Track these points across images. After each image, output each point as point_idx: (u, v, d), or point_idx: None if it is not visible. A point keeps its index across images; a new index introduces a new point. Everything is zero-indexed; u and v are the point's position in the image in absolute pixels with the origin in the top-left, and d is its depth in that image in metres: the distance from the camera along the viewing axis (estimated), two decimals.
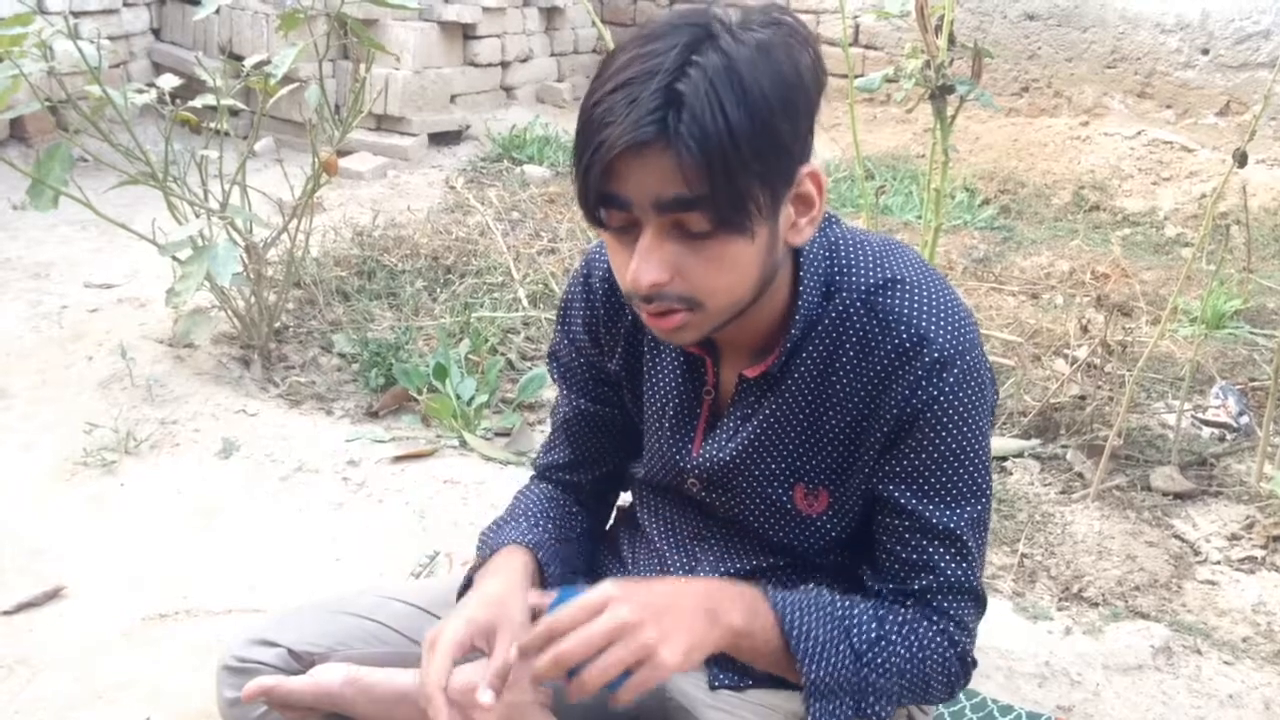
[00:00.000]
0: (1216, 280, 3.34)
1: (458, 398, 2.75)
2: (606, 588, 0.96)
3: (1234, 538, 2.32)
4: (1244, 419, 2.78)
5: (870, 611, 1.08)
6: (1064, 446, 2.63)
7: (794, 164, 0.96)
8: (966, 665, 1.12)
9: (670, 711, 1.16)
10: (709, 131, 0.88)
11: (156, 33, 5.46)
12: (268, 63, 2.73)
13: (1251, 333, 3.40)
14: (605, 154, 0.90)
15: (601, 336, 1.23)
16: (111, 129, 2.65)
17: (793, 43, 0.94)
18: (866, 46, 6.12)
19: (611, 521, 1.40)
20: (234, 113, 2.97)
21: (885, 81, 2.36)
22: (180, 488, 2.39)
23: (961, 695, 1.76)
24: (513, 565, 1.15)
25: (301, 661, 1.15)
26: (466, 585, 1.20)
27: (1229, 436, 2.75)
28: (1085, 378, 2.86)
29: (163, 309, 3.02)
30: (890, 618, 1.08)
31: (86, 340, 3.00)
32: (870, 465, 1.09)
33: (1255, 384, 2.98)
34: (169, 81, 2.66)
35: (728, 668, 1.17)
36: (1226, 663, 1.95)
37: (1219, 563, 2.25)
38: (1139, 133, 5.42)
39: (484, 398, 2.77)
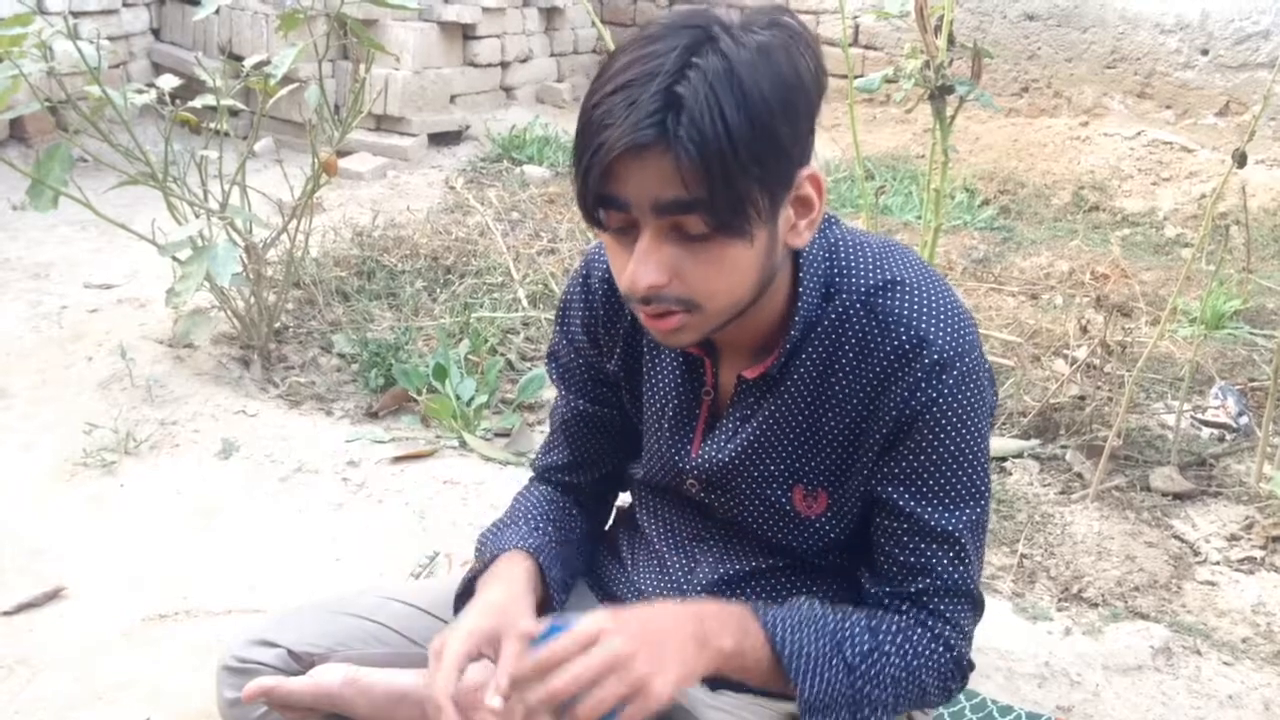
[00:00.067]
0: (1216, 281, 3.34)
1: (457, 398, 2.75)
2: (599, 619, 0.96)
3: (1233, 538, 2.32)
4: (1243, 419, 2.78)
5: (863, 622, 1.08)
6: (1063, 447, 2.63)
7: (793, 167, 0.96)
8: (962, 668, 1.12)
9: (670, 711, 1.16)
10: (708, 135, 0.88)
11: (156, 33, 5.46)
12: (267, 63, 2.73)
13: (1251, 333, 3.40)
14: (604, 156, 0.90)
15: (600, 337, 1.23)
16: (111, 129, 2.65)
17: (793, 45, 0.94)
18: (866, 47, 6.13)
19: (611, 522, 1.40)
20: (234, 113, 2.97)
21: (885, 82, 2.36)
22: (180, 488, 2.39)
23: (961, 696, 1.76)
24: (514, 571, 1.15)
25: (301, 662, 1.15)
26: (464, 590, 1.20)
27: (1228, 437, 2.75)
28: (1085, 378, 2.86)
29: (162, 309, 3.02)
30: (884, 627, 1.08)
31: (86, 340, 3.00)
32: (869, 467, 1.09)
33: (1255, 384, 2.98)
34: (169, 82, 2.66)
35: None
36: (1226, 663, 1.95)
37: (1218, 563, 2.25)
38: (1139, 133, 5.42)
39: (484, 398, 2.77)
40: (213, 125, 2.74)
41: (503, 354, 3.03)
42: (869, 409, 1.07)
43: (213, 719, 1.23)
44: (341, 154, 4.04)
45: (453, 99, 5.48)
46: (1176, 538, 2.32)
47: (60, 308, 3.22)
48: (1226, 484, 2.50)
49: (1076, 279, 3.86)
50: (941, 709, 1.71)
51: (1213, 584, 2.18)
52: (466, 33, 5.50)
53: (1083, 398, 2.77)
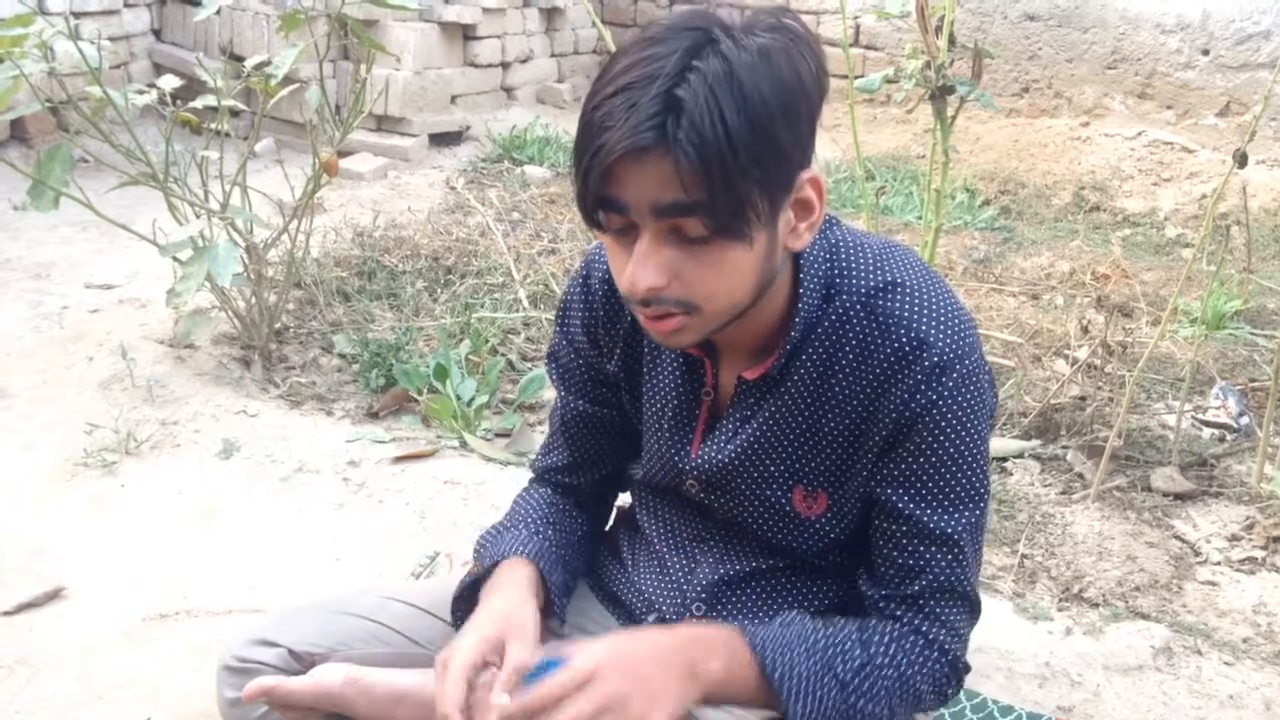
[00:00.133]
0: (1217, 281, 3.34)
1: (458, 398, 2.75)
2: (592, 655, 0.97)
3: (1234, 538, 2.32)
4: (1244, 420, 2.78)
5: (855, 636, 1.08)
6: (1064, 447, 2.63)
7: (794, 170, 0.96)
8: (958, 671, 1.12)
9: None
10: (707, 138, 0.88)
11: (157, 33, 5.47)
12: (268, 63, 2.73)
13: (1252, 333, 3.40)
14: (604, 158, 0.90)
15: (600, 338, 1.23)
16: (112, 130, 2.65)
17: (795, 48, 0.93)
18: (867, 47, 6.13)
19: (611, 522, 1.40)
20: (234, 113, 2.98)
21: (885, 82, 2.36)
22: (181, 488, 2.40)
23: (962, 695, 1.76)
24: (516, 578, 1.15)
25: (302, 662, 1.15)
26: (462, 593, 1.20)
27: (1229, 437, 2.75)
28: (1085, 378, 2.86)
29: (163, 309, 3.02)
30: (875, 639, 1.07)
31: (87, 341, 3.01)
32: (868, 468, 1.09)
33: (1255, 385, 2.98)
34: (170, 82, 2.66)
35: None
36: (1227, 663, 1.95)
37: (1219, 563, 2.25)
38: (1139, 133, 5.42)
39: (484, 398, 2.77)
40: (213, 126, 2.74)
41: (503, 354, 3.03)
42: (869, 410, 1.06)
43: (213, 719, 1.23)
44: (342, 154, 4.04)
45: (453, 99, 5.49)
46: (1177, 538, 2.32)
47: (61, 308, 3.23)
48: (1227, 484, 2.50)
49: (1077, 279, 3.86)
50: (942, 709, 1.71)
51: (1213, 584, 2.18)
52: (467, 33, 5.50)
53: (1083, 398, 2.77)
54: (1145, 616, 2.06)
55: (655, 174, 0.90)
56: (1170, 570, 2.20)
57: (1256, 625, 2.07)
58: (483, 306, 3.30)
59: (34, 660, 1.84)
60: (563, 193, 4.48)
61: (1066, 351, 3.13)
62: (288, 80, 2.71)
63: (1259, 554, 2.27)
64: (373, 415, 2.77)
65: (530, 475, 1.38)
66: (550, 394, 2.81)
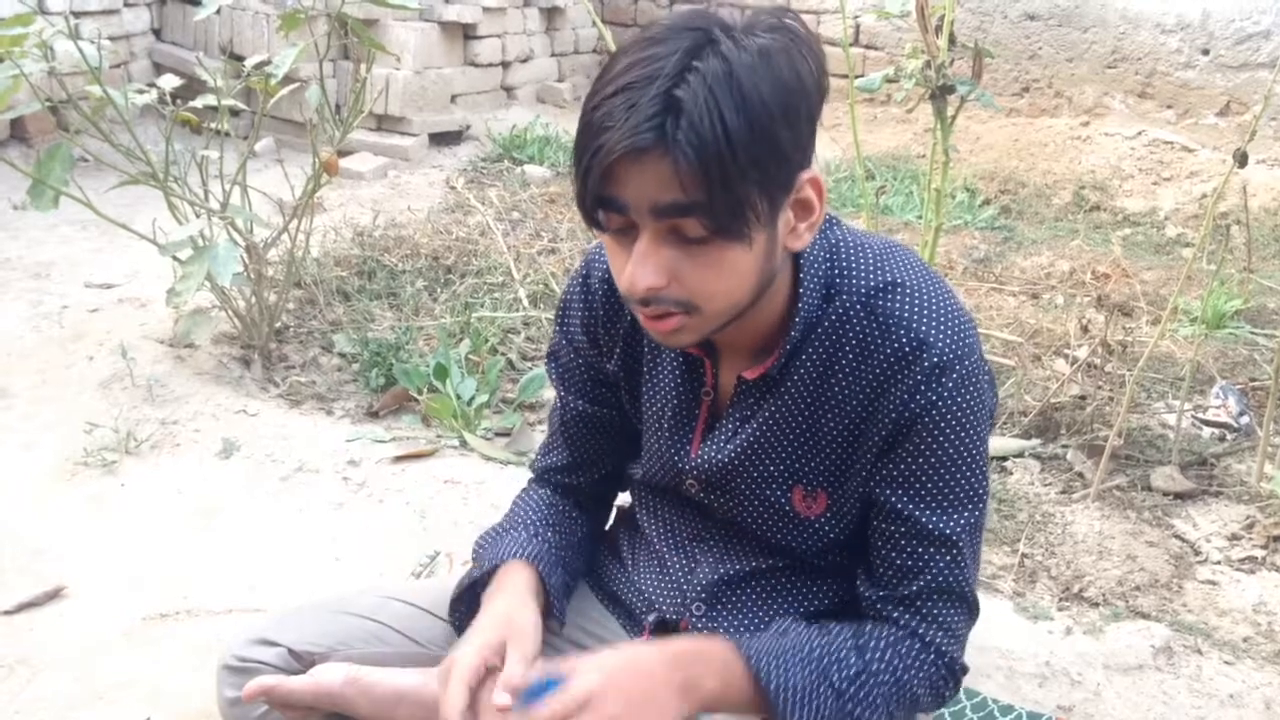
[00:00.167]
0: (1217, 280, 3.34)
1: (458, 398, 2.75)
2: (589, 676, 0.97)
3: (1234, 538, 2.32)
4: (1244, 419, 2.78)
5: (850, 643, 1.07)
6: (1064, 446, 2.63)
7: (794, 171, 0.96)
8: (955, 673, 1.11)
9: None
10: (706, 139, 0.88)
11: (157, 33, 5.46)
12: (268, 63, 2.73)
13: (1252, 333, 3.40)
14: (603, 158, 0.91)
15: (600, 337, 1.23)
16: (112, 129, 2.65)
17: (795, 48, 0.93)
18: (867, 46, 6.13)
19: (611, 522, 1.40)
20: (234, 113, 2.98)
21: (886, 81, 2.36)
22: (181, 488, 2.40)
23: (962, 695, 1.76)
24: (516, 582, 1.15)
25: (302, 661, 1.15)
26: (460, 594, 1.20)
27: (1229, 436, 2.75)
28: (1085, 378, 2.86)
29: (163, 309, 3.02)
30: (871, 645, 1.07)
31: (87, 340, 3.01)
32: (868, 468, 1.09)
33: (1255, 384, 2.98)
34: (169, 82, 2.66)
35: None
36: (1227, 662, 1.95)
37: (1219, 563, 2.25)
38: (1139, 133, 5.42)
39: (484, 398, 2.77)
40: (213, 125, 2.74)
41: (503, 353, 3.03)
42: (868, 410, 1.06)
43: (213, 718, 1.23)
44: (342, 154, 4.03)
45: (453, 99, 5.49)
46: (1177, 537, 2.32)
47: (61, 307, 3.23)
48: (1227, 483, 2.50)
49: (1077, 279, 3.86)
50: (943, 710, 1.71)
51: (1214, 583, 2.18)
52: (467, 32, 5.50)
53: (1084, 397, 2.77)
54: (1145, 616, 2.06)
55: (654, 174, 0.90)
56: (1170, 569, 2.20)
57: (1257, 624, 2.07)
58: (483, 306, 3.30)
59: (34, 660, 1.84)
60: (563, 192, 4.48)
61: (1066, 351, 3.13)
62: (288, 80, 2.71)
63: (1259, 553, 2.27)
64: (373, 415, 2.77)
65: (530, 475, 1.38)
66: (550, 393, 2.81)
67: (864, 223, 3.08)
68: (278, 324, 3.03)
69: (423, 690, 1.10)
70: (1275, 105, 4.70)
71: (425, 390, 2.78)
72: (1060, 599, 2.12)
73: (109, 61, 2.66)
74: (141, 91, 2.62)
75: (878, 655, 1.07)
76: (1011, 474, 2.54)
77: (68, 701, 1.75)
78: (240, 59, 3.18)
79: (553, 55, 6.26)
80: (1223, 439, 2.74)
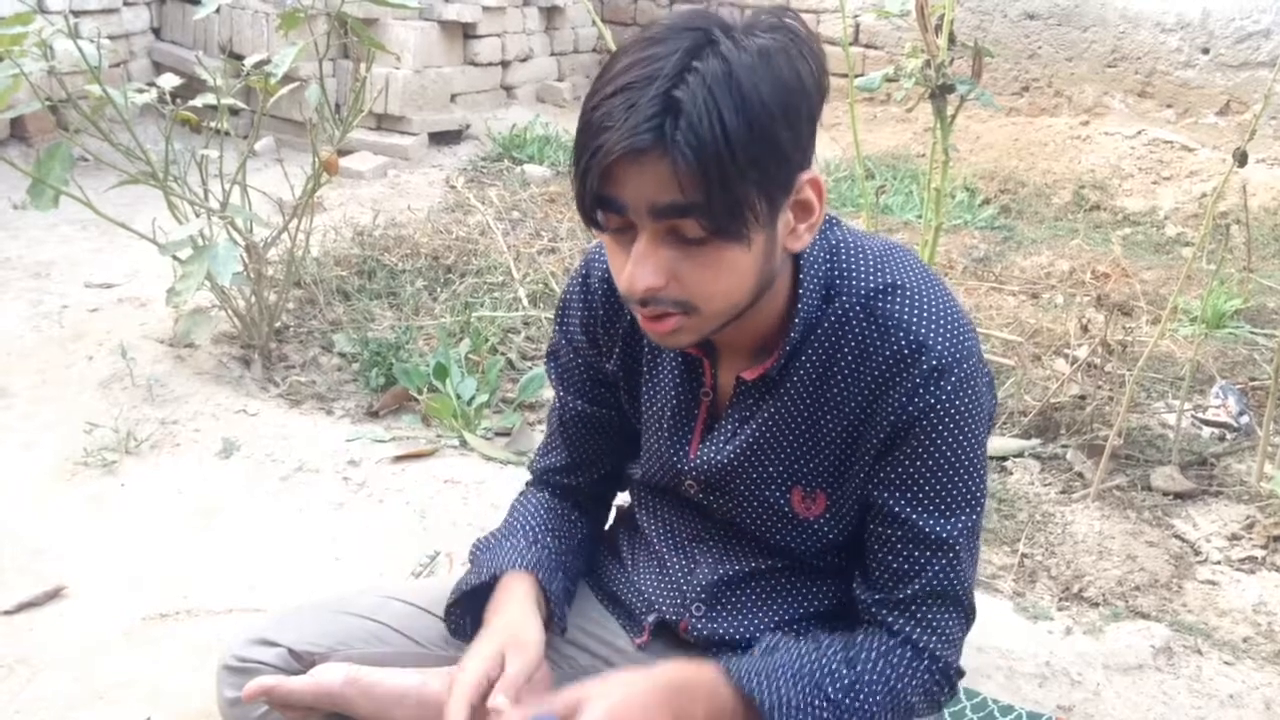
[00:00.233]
0: (1217, 280, 3.34)
1: (458, 397, 2.75)
2: (583, 717, 0.97)
3: (1234, 538, 2.32)
4: (1244, 419, 2.78)
5: (841, 654, 1.07)
6: (1064, 446, 2.63)
7: (793, 171, 0.96)
8: (950, 677, 1.11)
9: None
10: (705, 140, 0.88)
11: (157, 32, 5.46)
12: (268, 62, 2.73)
13: (1252, 332, 3.40)
14: (602, 159, 0.90)
15: (599, 337, 1.23)
16: (112, 128, 2.65)
17: (795, 49, 0.93)
18: (867, 46, 6.12)
19: (611, 522, 1.40)
20: (234, 112, 2.97)
21: (885, 81, 2.36)
22: (181, 487, 2.39)
23: (962, 695, 1.76)
24: (517, 594, 1.15)
25: (302, 661, 1.15)
26: (455, 601, 1.20)
27: (1229, 436, 2.75)
28: (1085, 377, 2.86)
29: (163, 309, 3.02)
30: (863, 656, 1.07)
31: (87, 340, 3.00)
32: (866, 470, 1.09)
33: (1255, 384, 2.98)
34: (169, 81, 2.66)
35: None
36: (1227, 663, 1.95)
37: (1219, 563, 2.25)
38: (1139, 132, 5.42)
39: (484, 397, 2.77)
40: (213, 124, 2.74)
41: (503, 353, 3.03)
42: (867, 412, 1.06)
43: (213, 718, 1.23)
44: (342, 153, 4.03)
45: (453, 98, 5.48)
46: (1177, 537, 2.32)
47: (61, 307, 3.22)
48: (1227, 483, 2.50)
49: (1077, 278, 3.86)
50: (943, 710, 1.71)
51: (1214, 583, 2.18)
52: (467, 32, 5.50)
53: (1083, 397, 2.77)
54: (1145, 616, 2.06)
55: (653, 175, 0.90)
56: (1170, 569, 2.20)
57: (1257, 624, 2.07)
58: (483, 305, 3.30)
59: (34, 660, 1.84)
60: (563, 192, 4.48)
61: (1066, 350, 3.13)
62: (287, 79, 2.71)
63: (1259, 553, 2.27)
64: (373, 414, 2.77)
65: (528, 476, 1.37)
66: (550, 393, 2.81)
67: (864, 222, 3.08)
68: (278, 324, 3.03)
69: (423, 690, 1.10)
70: (1275, 104, 4.70)
71: (425, 390, 2.78)
72: (1060, 599, 2.12)
73: (108, 61, 2.66)
74: (141, 91, 2.61)
75: (870, 665, 1.07)
76: (1011, 474, 2.54)
77: (68, 701, 1.75)
78: (240, 58, 3.17)
79: (552, 54, 6.26)
80: (1223, 439, 2.74)
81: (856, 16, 6.01)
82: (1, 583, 2.03)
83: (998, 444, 2.60)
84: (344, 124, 2.90)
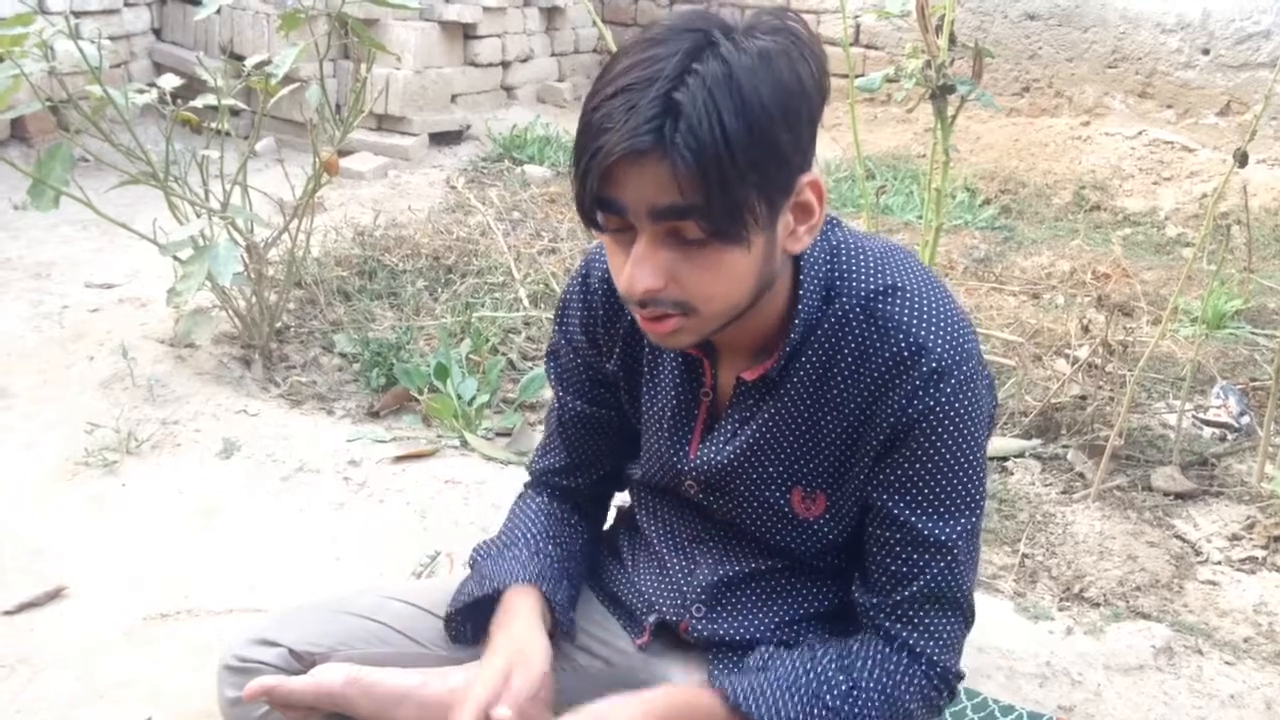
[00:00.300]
0: (1217, 280, 3.34)
1: (459, 398, 2.75)
2: None
3: (1235, 538, 2.32)
4: (1245, 419, 2.78)
5: (836, 663, 1.07)
6: (1065, 446, 2.63)
7: (793, 173, 0.96)
8: (948, 681, 1.11)
9: None
10: (704, 142, 0.88)
11: (157, 33, 5.47)
12: (268, 63, 2.73)
13: (1252, 333, 3.40)
14: (602, 160, 0.91)
15: (600, 337, 1.23)
16: (112, 129, 2.65)
17: (796, 51, 0.93)
18: (867, 46, 6.12)
19: (611, 522, 1.40)
20: (235, 113, 2.98)
21: (886, 81, 2.36)
22: (181, 488, 2.40)
23: (963, 695, 1.76)
24: (522, 610, 1.15)
25: (303, 661, 1.15)
26: (457, 610, 1.20)
27: (1230, 436, 2.75)
28: (1086, 378, 2.86)
29: (164, 309, 3.02)
30: (859, 664, 1.07)
31: (88, 340, 3.01)
32: (866, 472, 1.09)
33: (1256, 384, 2.98)
34: (170, 81, 2.66)
35: (727, 669, 1.17)
36: (1228, 663, 1.95)
37: (1220, 563, 2.25)
38: (1140, 133, 5.42)
39: (485, 397, 2.77)
40: (214, 125, 2.74)
41: (504, 353, 3.03)
42: (866, 414, 1.06)
43: (214, 718, 1.23)
44: (343, 154, 4.04)
45: (454, 98, 5.49)
46: (1178, 537, 2.32)
47: (61, 307, 3.23)
48: (1228, 484, 2.50)
49: (1078, 278, 3.86)
50: (944, 710, 1.71)
51: (1214, 584, 2.18)
52: (467, 32, 5.50)
53: (1084, 397, 2.77)
54: (1146, 616, 2.06)
55: (653, 177, 0.90)
56: (1171, 570, 2.20)
57: (1257, 625, 2.07)
58: (483, 306, 3.30)
59: (35, 659, 1.84)
60: (563, 192, 4.48)
61: (1067, 351, 3.13)
62: (288, 79, 2.71)
63: (1260, 553, 2.27)
64: (373, 414, 2.77)
65: (527, 478, 1.37)
66: (550, 393, 2.81)
67: (864, 223, 3.09)
68: (278, 324, 3.03)
69: (423, 690, 1.10)
70: (1275, 105, 4.70)
71: (426, 390, 2.78)
72: (1061, 599, 2.12)
73: (109, 61, 2.66)
74: (142, 91, 2.61)
75: (866, 672, 1.07)
76: (1012, 474, 2.54)
77: (68, 701, 1.75)
78: (240, 59, 3.18)
79: (553, 55, 6.26)
80: (1223, 439, 2.73)
81: (857, 17, 6.01)
82: (2, 583, 2.03)
83: (998, 444, 2.60)
84: (344, 124, 2.90)
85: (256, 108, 3.04)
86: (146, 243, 2.72)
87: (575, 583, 1.25)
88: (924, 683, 1.08)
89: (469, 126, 5.48)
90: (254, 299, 2.93)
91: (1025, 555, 2.23)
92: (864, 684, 1.06)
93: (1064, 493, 2.47)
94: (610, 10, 6.71)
